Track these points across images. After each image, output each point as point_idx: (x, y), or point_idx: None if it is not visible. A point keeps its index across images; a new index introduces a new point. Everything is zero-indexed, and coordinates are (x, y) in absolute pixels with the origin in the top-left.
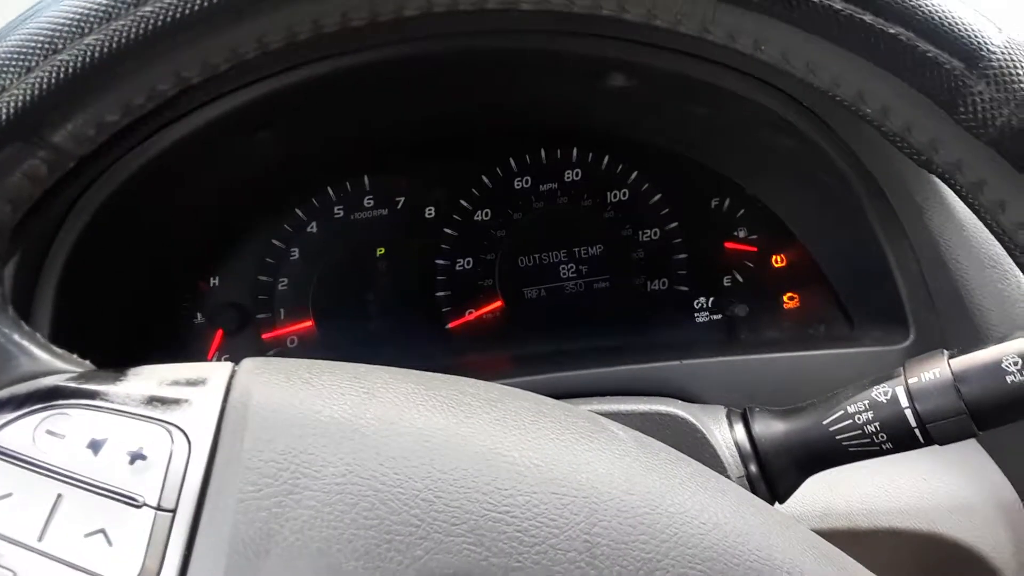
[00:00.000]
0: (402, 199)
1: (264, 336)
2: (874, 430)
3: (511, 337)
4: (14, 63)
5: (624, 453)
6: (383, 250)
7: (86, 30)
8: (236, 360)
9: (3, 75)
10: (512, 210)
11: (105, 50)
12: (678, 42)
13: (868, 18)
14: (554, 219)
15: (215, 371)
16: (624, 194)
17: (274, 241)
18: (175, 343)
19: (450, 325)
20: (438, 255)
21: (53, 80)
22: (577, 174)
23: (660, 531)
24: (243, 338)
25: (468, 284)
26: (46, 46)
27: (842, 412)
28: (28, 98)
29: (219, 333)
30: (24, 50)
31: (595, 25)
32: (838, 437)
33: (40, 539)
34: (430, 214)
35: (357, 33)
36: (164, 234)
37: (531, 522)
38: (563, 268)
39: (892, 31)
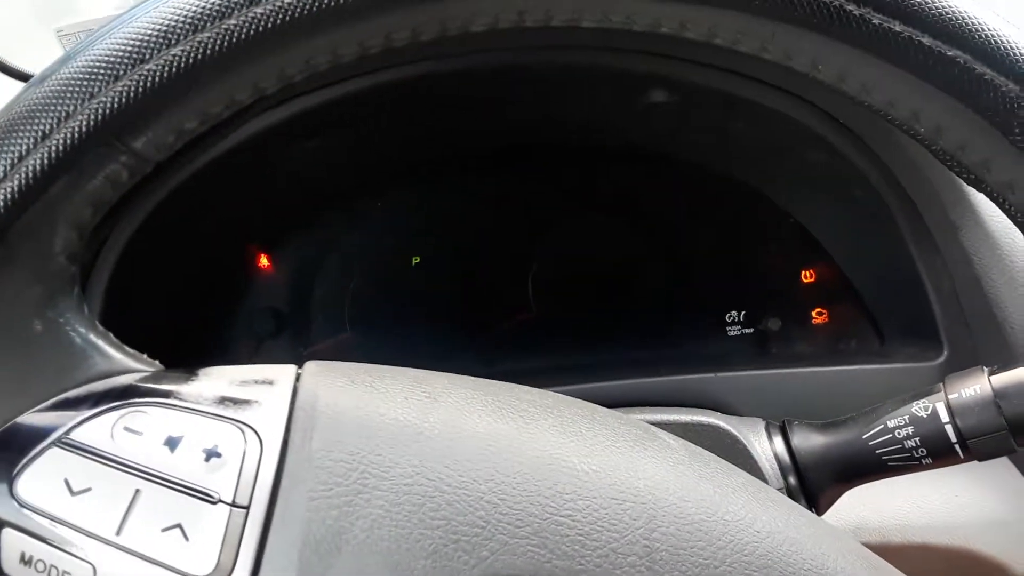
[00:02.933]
0: (439, 210)
1: (298, 341)
2: (914, 445)
3: (544, 348)
4: (103, 71)
5: (678, 461)
6: (418, 259)
7: (172, 41)
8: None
9: (92, 82)
10: (547, 223)
11: (190, 61)
12: (718, 58)
13: (927, 40)
14: (588, 232)
15: (281, 373)
16: (657, 209)
17: (312, 248)
18: (214, 346)
19: (484, 335)
20: (473, 266)
21: (140, 89)
22: (612, 188)
23: (717, 538)
24: (279, 343)
25: (502, 295)
26: (134, 55)
27: (882, 427)
28: (115, 105)
29: (256, 338)
30: (112, 58)
31: (637, 41)
32: (878, 451)
33: (118, 533)
34: (466, 225)
35: (415, 48)
36: (208, 240)
37: (592, 526)
38: (596, 281)
39: (950, 54)
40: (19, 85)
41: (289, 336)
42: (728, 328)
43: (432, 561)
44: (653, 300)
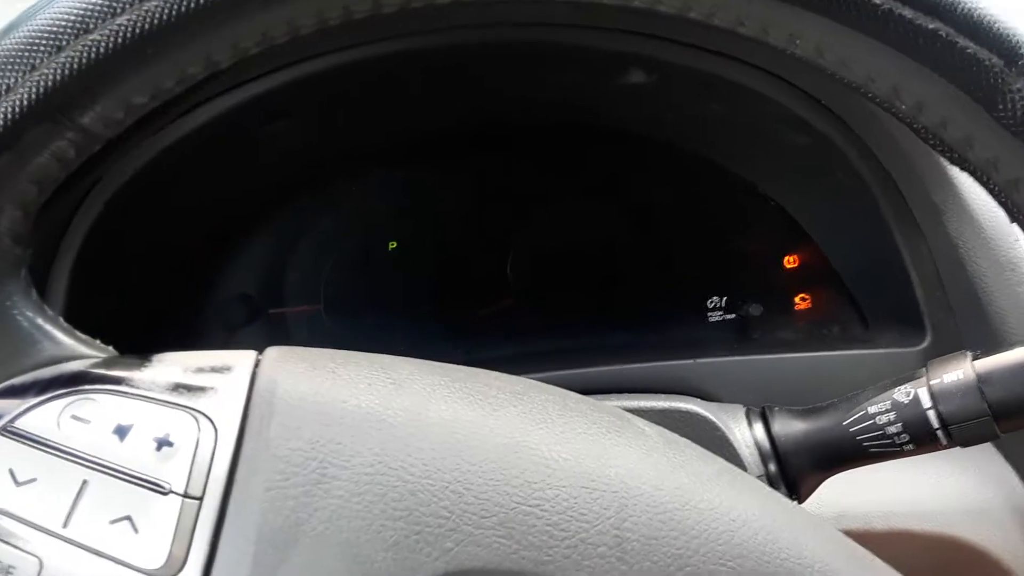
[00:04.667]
0: (416, 193)
1: (273, 328)
2: (896, 431)
3: (523, 333)
4: (45, 42)
5: (652, 449)
6: (395, 244)
7: (118, 10)
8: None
9: (34, 54)
10: (526, 206)
11: (137, 31)
12: (698, 38)
13: (907, 13)
14: (567, 216)
15: (239, 359)
16: (636, 192)
17: (285, 232)
18: (185, 333)
19: (461, 320)
20: (451, 250)
21: (84, 60)
22: (592, 171)
23: (690, 527)
24: (252, 330)
25: (481, 280)
26: (77, 25)
27: (863, 412)
28: (58, 78)
29: (227, 325)
30: (55, 29)
31: (617, 19)
32: (859, 437)
33: (65, 525)
34: (443, 208)
35: (384, 21)
36: (177, 223)
37: (561, 516)
38: (576, 265)
39: (931, 27)
40: None
41: (263, 324)
42: (709, 314)
43: (394, 553)
44: (633, 285)
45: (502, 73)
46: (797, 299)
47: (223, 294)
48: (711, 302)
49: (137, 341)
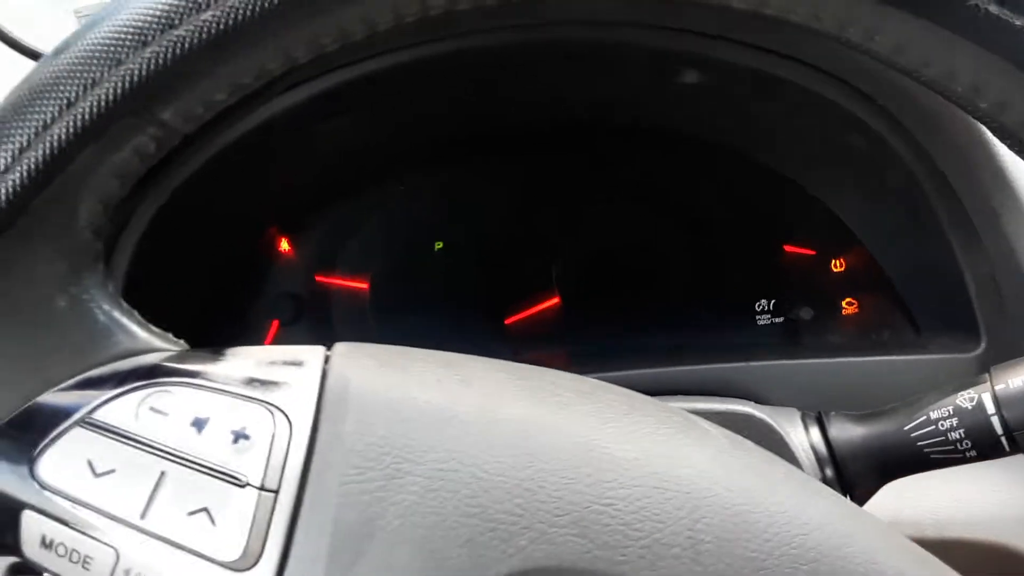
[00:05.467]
0: (463, 193)
1: (318, 326)
2: (958, 437)
3: (568, 334)
4: (131, 36)
5: (720, 450)
6: (441, 244)
7: (203, 6)
8: None
9: (120, 48)
10: (574, 207)
11: (220, 27)
12: (754, 37)
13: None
14: (615, 217)
15: (310, 354)
16: (686, 194)
17: (334, 232)
18: (233, 328)
19: (507, 321)
20: (497, 251)
21: (168, 56)
22: (641, 173)
23: (763, 530)
24: (299, 328)
25: (527, 280)
26: (163, 20)
27: (925, 418)
28: (143, 73)
29: (275, 322)
30: (141, 23)
31: (672, 19)
32: (920, 443)
33: (143, 517)
34: (491, 209)
35: (442, 21)
36: (234, 218)
37: (634, 515)
38: (623, 267)
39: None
40: (31, 64)
41: (309, 321)
42: (758, 317)
43: (468, 550)
44: (680, 287)
45: (553, 73)
46: (846, 303)
47: (272, 291)
48: (759, 305)
49: (188, 334)
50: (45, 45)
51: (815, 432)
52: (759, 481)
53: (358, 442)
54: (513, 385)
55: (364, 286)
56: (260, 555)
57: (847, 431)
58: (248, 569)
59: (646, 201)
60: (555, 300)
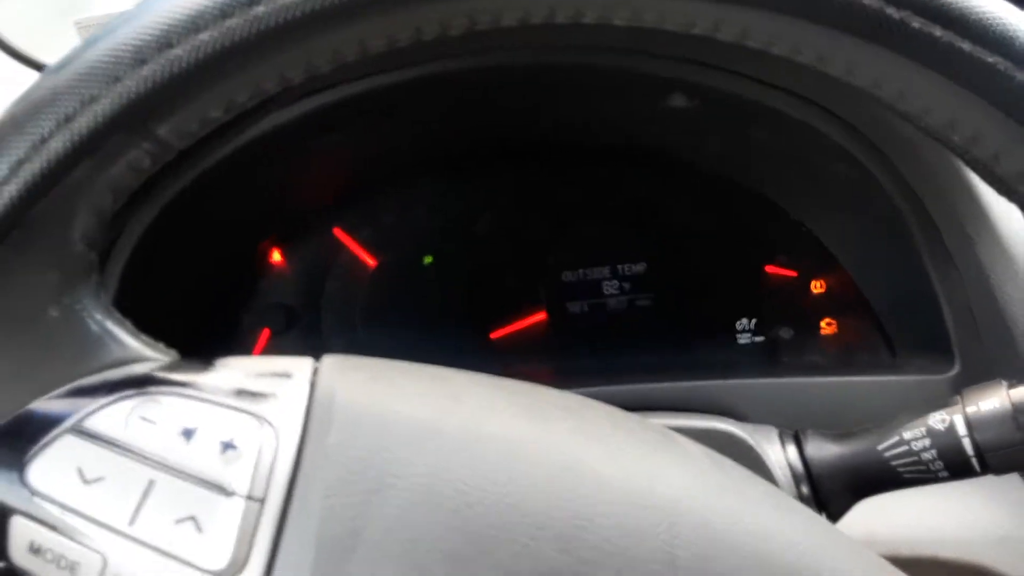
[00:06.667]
0: (453, 209)
1: (309, 336)
2: (930, 457)
3: (554, 350)
4: (129, 55)
5: (701, 469)
6: (431, 258)
7: (200, 26)
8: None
9: (118, 66)
10: (561, 225)
11: (217, 47)
12: (742, 65)
13: (966, 46)
14: (600, 235)
15: (299, 366)
16: (672, 214)
17: (324, 244)
18: (225, 339)
19: (493, 335)
20: (485, 266)
21: (166, 74)
22: (626, 192)
23: (740, 548)
24: (289, 339)
25: (513, 296)
26: (160, 40)
27: (898, 438)
28: (140, 90)
29: (265, 332)
30: (138, 42)
31: (663, 44)
32: (893, 463)
33: (131, 524)
34: (480, 224)
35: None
36: (227, 230)
37: (613, 531)
38: (607, 284)
39: (990, 60)
40: (35, 75)
41: (299, 332)
42: (738, 336)
43: (451, 566)
44: (664, 305)
45: (543, 95)
46: (824, 324)
47: (263, 301)
48: (740, 324)
49: (180, 342)
50: (46, 55)
51: (792, 450)
52: (737, 500)
53: (343, 455)
54: (500, 400)
55: (355, 297)
56: (246, 563)
57: (823, 450)
58: None
59: (632, 220)
60: (542, 315)
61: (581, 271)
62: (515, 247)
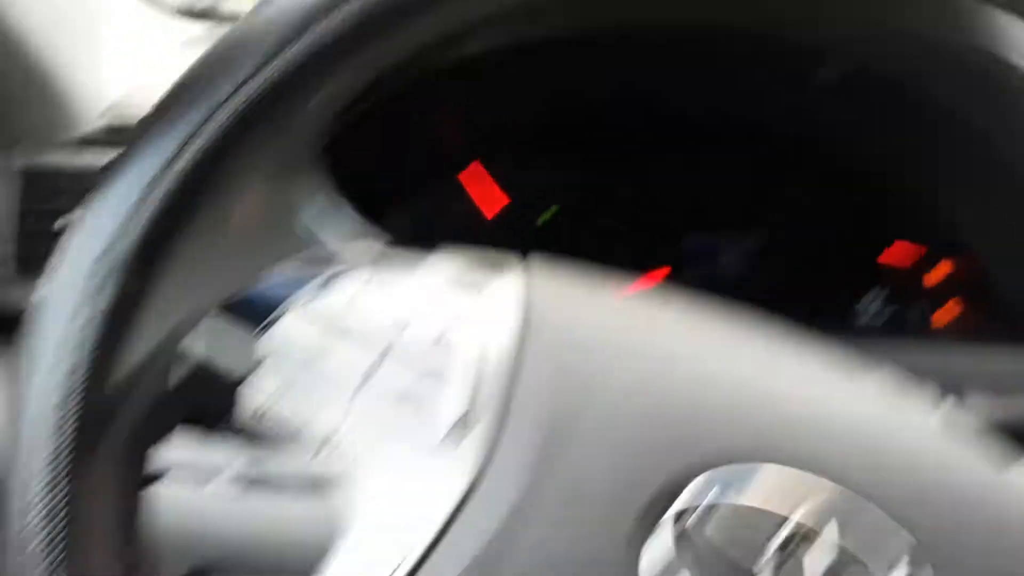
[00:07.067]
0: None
1: None
2: None
3: None
4: None
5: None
6: (547, 215)
7: None
8: None
9: None
10: (683, 194)
11: None
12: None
13: None
14: (721, 208)
15: (506, 259)
16: (783, 195)
17: (422, 212)
18: None
19: None
20: (605, 231)
21: None
22: (749, 168)
23: None
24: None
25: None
26: None
27: None
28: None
29: None
30: None
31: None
32: None
33: (355, 397)
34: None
35: None
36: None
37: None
38: (724, 258)
39: None
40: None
41: None
42: (858, 320)
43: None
44: (777, 292)
45: (673, 65)
46: (948, 308)
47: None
48: (862, 306)
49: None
50: None
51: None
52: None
53: (567, 340)
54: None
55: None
56: (471, 440)
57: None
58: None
59: (752, 197)
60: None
61: (699, 241)
62: (636, 213)
